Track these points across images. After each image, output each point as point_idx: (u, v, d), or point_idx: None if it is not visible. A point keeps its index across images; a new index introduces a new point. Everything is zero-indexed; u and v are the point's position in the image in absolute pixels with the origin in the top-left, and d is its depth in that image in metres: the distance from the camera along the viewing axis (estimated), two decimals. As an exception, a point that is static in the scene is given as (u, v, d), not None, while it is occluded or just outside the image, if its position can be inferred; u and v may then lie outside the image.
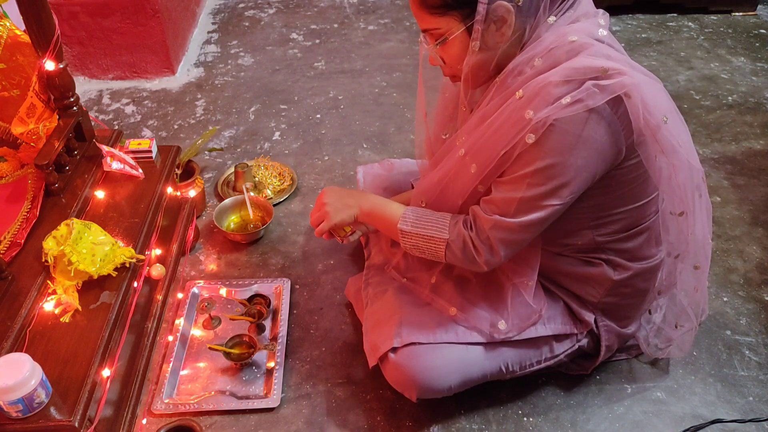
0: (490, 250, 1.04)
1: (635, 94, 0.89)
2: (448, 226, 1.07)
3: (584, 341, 1.19)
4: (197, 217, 1.67)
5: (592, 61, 0.90)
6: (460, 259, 1.07)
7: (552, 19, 0.95)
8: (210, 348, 1.33)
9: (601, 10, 1.01)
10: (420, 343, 1.11)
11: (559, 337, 1.17)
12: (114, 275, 1.15)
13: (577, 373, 1.26)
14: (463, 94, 1.08)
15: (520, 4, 0.92)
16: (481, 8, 0.92)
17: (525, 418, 1.22)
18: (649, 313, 1.27)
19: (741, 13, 2.73)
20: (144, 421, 1.21)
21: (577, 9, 0.96)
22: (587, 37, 0.94)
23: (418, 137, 1.31)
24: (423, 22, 0.99)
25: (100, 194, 1.32)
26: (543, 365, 1.19)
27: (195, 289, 1.47)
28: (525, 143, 0.93)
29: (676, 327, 1.22)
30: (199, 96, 2.27)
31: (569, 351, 1.19)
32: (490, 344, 1.13)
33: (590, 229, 1.08)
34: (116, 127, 1.84)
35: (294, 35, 2.68)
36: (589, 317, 1.16)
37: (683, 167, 0.97)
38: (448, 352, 1.11)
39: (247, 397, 1.25)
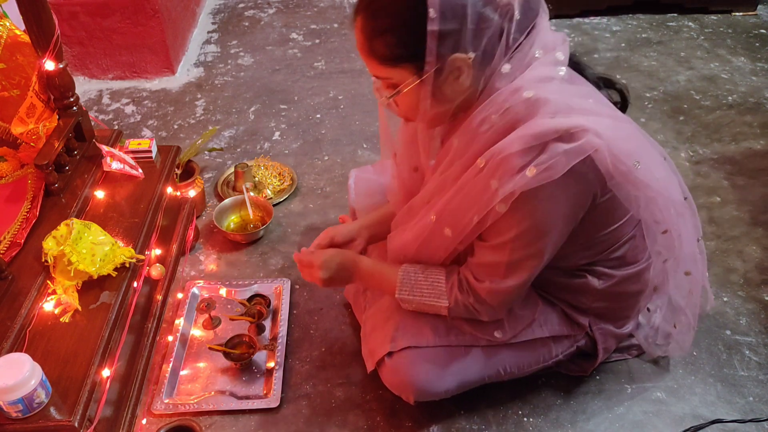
0: (492, 310, 1.05)
1: (602, 149, 0.87)
2: (445, 292, 1.06)
3: (582, 342, 1.19)
4: (197, 217, 1.67)
5: (551, 123, 0.86)
6: (464, 317, 1.09)
7: (507, 67, 0.90)
8: (210, 348, 1.32)
9: (560, 37, 0.96)
10: (415, 347, 1.11)
11: (557, 339, 1.17)
12: (114, 275, 1.15)
13: (577, 374, 1.26)
14: (422, 144, 1.07)
15: (471, 59, 0.88)
16: (428, 67, 0.88)
17: (525, 419, 1.22)
18: (648, 311, 1.27)
19: (741, 13, 2.73)
20: (144, 421, 1.21)
21: (534, 44, 0.91)
22: (544, 88, 0.89)
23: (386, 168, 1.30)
24: (374, 71, 0.94)
25: (99, 194, 1.32)
26: (541, 366, 1.19)
27: (195, 289, 1.47)
28: (497, 212, 0.92)
29: (675, 327, 1.23)
30: (199, 96, 2.27)
31: (568, 352, 1.19)
32: (488, 347, 1.13)
33: (573, 253, 1.08)
34: (116, 127, 1.83)
35: (294, 35, 2.68)
36: (584, 321, 1.16)
37: (661, 196, 0.96)
38: (444, 356, 1.11)
39: (247, 397, 1.25)
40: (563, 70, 0.92)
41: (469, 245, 1.03)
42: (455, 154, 0.98)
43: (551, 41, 0.93)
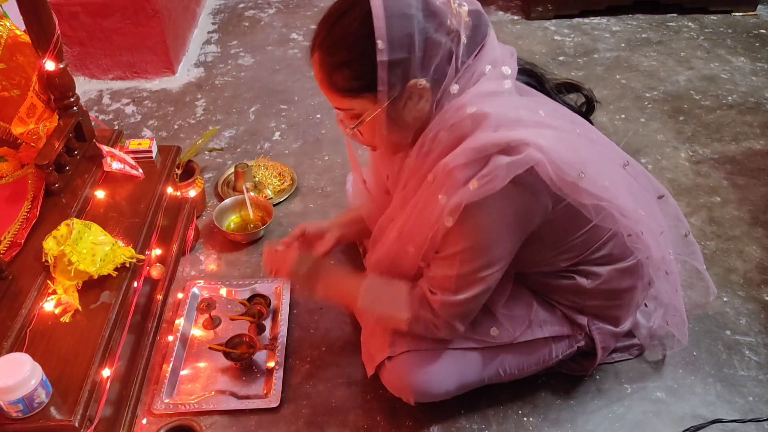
0: (449, 327, 1.05)
1: (542, 162, 0.88)
2: (407, 304, 1.06)
3: (582, 342, 1.19)
4: (197, 217, 1.67)
5: (493, 137, 0.89)
6: (423, 334, 1.09)
7: (455, 87, 0.93)
8: (210, 348, 1.32)
9: (509, 51, 0.98)
10: (414, 350, 1.11)
11: (557, 339, 1.17)
12: (114, 275, 1.15)
13: (578, 373, 1.26)
14: (387, 167, 1.10)
15: (420, 86, 0.90)
16: (380, 96, 0.90)
17: (525, 418, 1.22)
18: (645, 306, 1.28)
19: (741, 13, 2.73)
20: (144, 421, 1.21)
21: (483, 61, 0.93)
22: (488, 102, 0.91)
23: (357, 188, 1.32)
24: (335, 103, 0.97)
25: (100, 194, 1.32)
26: (542, 367, 1.19)
27: (195, 289, 1.47)
28: (446, 226, 0.94)
29: (667, 323, 1.25)
30: (199, 96, 2.27)
31: (568, 352, 1.19)
32: (487, 349, 1.13)
33: (552, 257, 1.09)
34: (116, 127, 1.83)
35: (294, 35, 2.68)
36: (582, 320, 1.16)
37: (611, 205, 0.96)
38: (443, 358, 1.11)
39: (247, 397, 1.25)
40: (509, 83, 0.94)
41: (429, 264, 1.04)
42: (410, 172, 1.01)
43: (500, 56, 0.96)
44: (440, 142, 0.94)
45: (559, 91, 1.05)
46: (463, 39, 0.90)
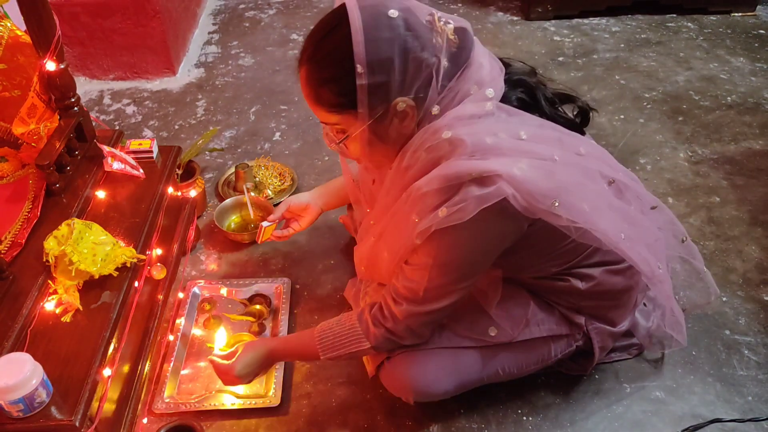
0: (413, 334, 1.06)
1: (514, 195, 0.88)
2: (362, 334, 1.07)
3: (581, 341, 1.19)
4: (198, 217, 1.68)
5: (465, 166, 0.89)
6: (389, 351, 1.11)
7: (436, 108, 0.93)
8: (210, 348, 1.33)
9: (497, 69, 0.98)
10: (414, 350, 1.11)
11: (555, 339, 1.17)
12: (115, 275, 1.15)
13: (577, 373, 1.27)
14: (374, 173, 1.12)
15: (404, 105, 0.91)
16: (361, 118, 0.91)
17: (524, 418, 1.22)
18: (644, 306, 1.28)
19: (740, 14, 2.73)
20: (145, 421, 1.21)
21: (467, 81, 0.93)
22: (465, 128, 0.91)
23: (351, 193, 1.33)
24: (322, 117, 0.97)
25: (101, 194, 1.32)
26: (541, 366, 1.20)
27: (196, 289, 1.48)
28: (417, 243, 0.95)
29: (664, 326, 1.25)
30: (200, 96, 2.28)
31: (566, 351, 1.19)
32: (486, 348, 1.14)
33: (542, 263, 1.09)
34: (117, 128, 1.84)
35: (294, 36, 2.68)
36: (580, 320, 1.16)
37: (589, 225, 0.95)
38: (441, 357, 1.12)
39: (247, 397, 1.25)
40: (490, 105, 0.94)
41: None
42: (390, 183, 1.02)
43: (486, 75, 0.95)
44: (418, 160, 0.95)
45: (552, 102, 1.04)
46: (444, 63, 0.91)
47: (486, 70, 0.96)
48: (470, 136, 0.91)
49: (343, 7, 0.89)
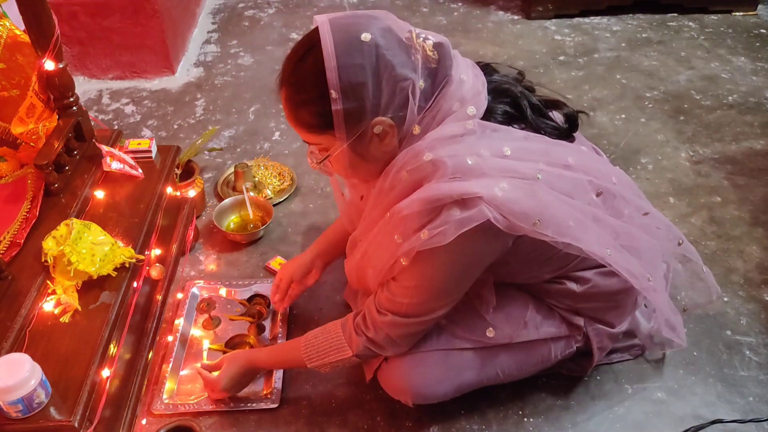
0: (394, 344, 1.07)
1: (492, 218, 0.88)
2: (344, 342, 1.08)
3: (581, 342, 1.19)
4: (197, 217, 1.67)
5: (446, 188, 0.89)
6: (372, 357, 1.12)
7: (417, 128, 0.94)
8: (210, 348, 1.32)
9: (480, 83, 0.97)
10: (412, 353, 1.11)
11: (555, 340, 1.16)
12: (114, 275, 1.15)
13: (576, 373, 1.26)
14: (361, 188, 1.13)
15: (383, 125, 0.91)
16: (339, 142, 0.92)
17: (525, 419, 1.22)
18: (645, 306, 1.27)
19: (741, 13, 2.73)
20: (144, 421, 1.21)
21: (448, 99, 0.93)
22: (446, 149, 0.91)
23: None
24: (303, 137, 0.98)
25: (99, 194, 1.32)
26: (541, 367, 1.19)
27: (195, 289, 1.47)
28: (401, 264, 0.95)
29: (661, 331, 1.24)
30: (199, 96, 2.27)
31: (566, 353, 1.19)
32: (485, 349, 1.13)
33: (535, 270, 1.09)
34: (116, 127, 1.83)
35: (294, 35, 2.68)
36: (579, 321, 1.16)
37: (571, 240, 0.95)
38: (440, 360, 1.11)
39: (247, 397, 1.25)
40: (472, 123, 0.93)
41: None
42: (374, 203, 1.02)
43: (468, 91, 0.95)
44: (400, 181, 0.95)
45: (539, 110, 1.03)
46: (420, 83, 0.91)
47: (468, 85, 0.95)
48: (451, 158, 0.90)
49: (317, 29, 0.89)
